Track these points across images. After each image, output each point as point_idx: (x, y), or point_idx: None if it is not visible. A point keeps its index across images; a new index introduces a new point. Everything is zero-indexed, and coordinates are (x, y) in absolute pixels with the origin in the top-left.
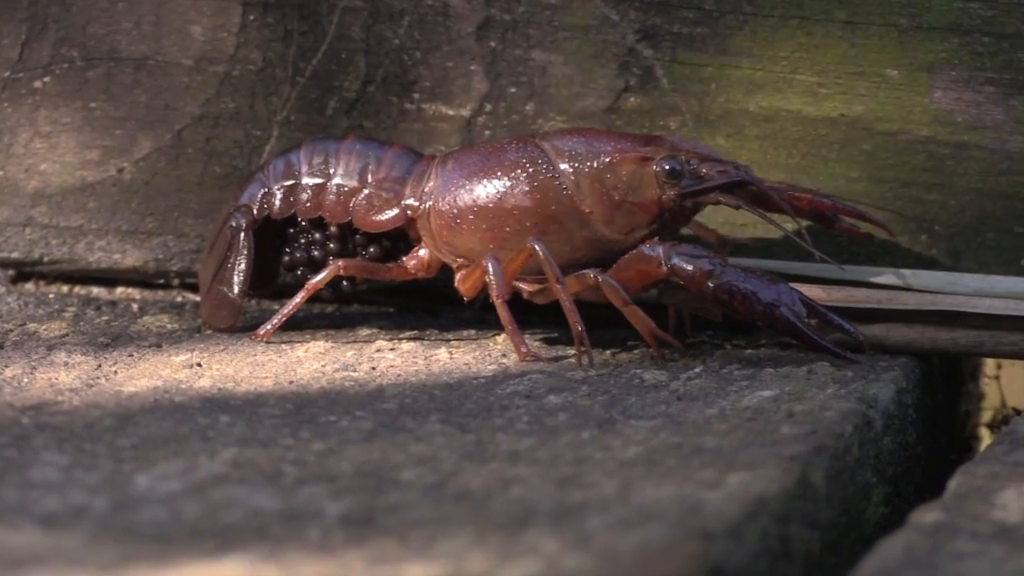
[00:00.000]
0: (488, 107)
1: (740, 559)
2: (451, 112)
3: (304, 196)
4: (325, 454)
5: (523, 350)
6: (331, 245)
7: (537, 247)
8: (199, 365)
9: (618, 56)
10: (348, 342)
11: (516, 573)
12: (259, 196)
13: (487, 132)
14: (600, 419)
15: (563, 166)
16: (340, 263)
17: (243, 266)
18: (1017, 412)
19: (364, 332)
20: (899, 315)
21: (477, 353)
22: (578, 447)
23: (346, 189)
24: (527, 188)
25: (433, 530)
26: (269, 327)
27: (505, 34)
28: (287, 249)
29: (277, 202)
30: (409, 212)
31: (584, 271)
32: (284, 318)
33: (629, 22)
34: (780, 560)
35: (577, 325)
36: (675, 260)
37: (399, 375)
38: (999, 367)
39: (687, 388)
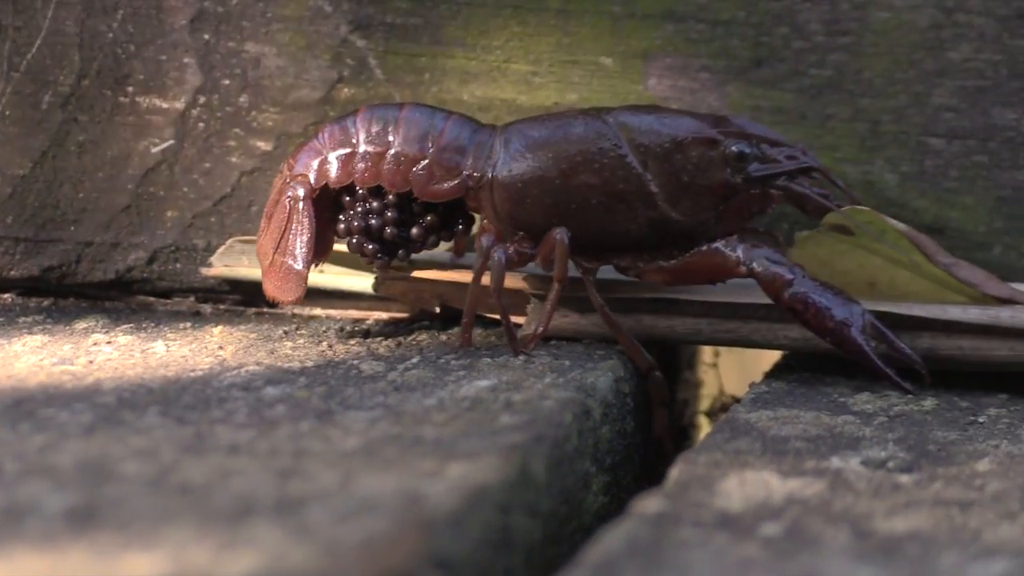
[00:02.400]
0: (202, 99)
1: (462, 550)
2: (165, 105)
3: (362, 165)
4: (45, 448)
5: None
6: (389, 214)
7: (558, 237)
8: None
9: (331, 47)
10: (65, 335)
11: (238, 565)
12: (315, 165)
13: (201, 124)
14: (319, 410)
15: (631, 143)
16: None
17: (306, 237)
18: (736, 399)
19: (81, 326)
20: (616, 304)
21: (194, 346)
22: (297, 439)
23: (406, 158)
24: (595, 164)
25: (154, 522)
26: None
27: (218, 26)
28: (342, 217)
29: (334, 171)
30: (470, 183)
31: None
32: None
33: (342, 13)
34: (502, 550)
35: (539, 328)
36: (755, 264)
37: (116, 368)
38: (717, 354)
39: (405, 379)
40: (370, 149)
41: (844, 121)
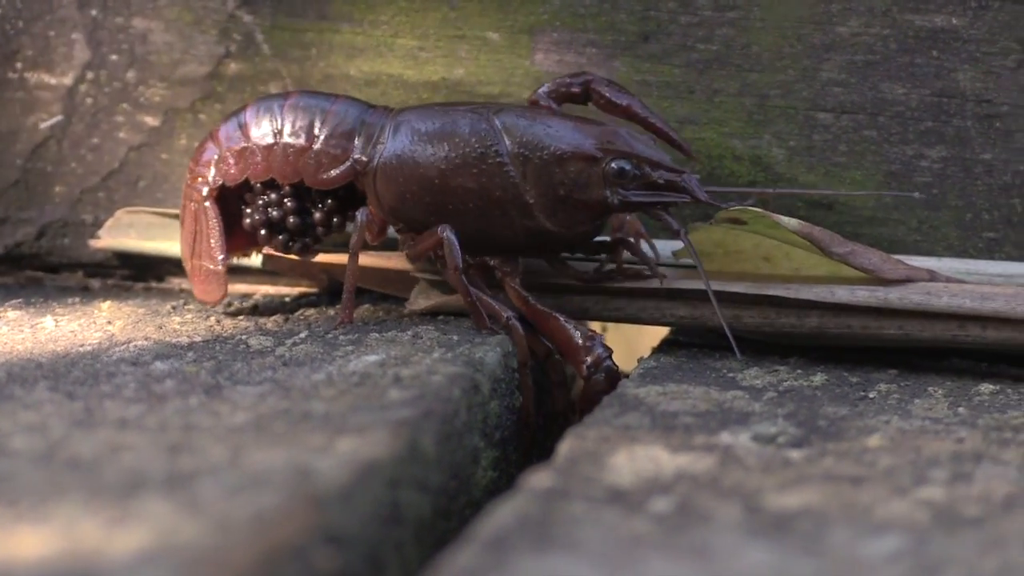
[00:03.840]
0: (90, 75)
1: (352, 524)
2: (53, 81)
3: (254, 160)
4: None
5: (484, 322)
6: (288, 203)
7: (447, 235)
8: None
9: (218, 22)
10: None
11: (129, 540)
12: (213, 164)
13: (89, 100)
14: (207, 385)
15: (512, 150)
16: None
17: (215, 237)
18: (624, 375)
19: None
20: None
21: (83, 320)
22: (187, 413)
23: (294, 149)
24: (474, 169)
25: (44, 498)
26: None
27: (106, 2)
28: (247, 211)
29: (229, 169)
30: (358, 167)
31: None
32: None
33: None
34: (392, 525)
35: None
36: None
37: (6, 343)
38: (604, 330)
39: (293, 353)
40: (260, 143)
41: (732, 96)
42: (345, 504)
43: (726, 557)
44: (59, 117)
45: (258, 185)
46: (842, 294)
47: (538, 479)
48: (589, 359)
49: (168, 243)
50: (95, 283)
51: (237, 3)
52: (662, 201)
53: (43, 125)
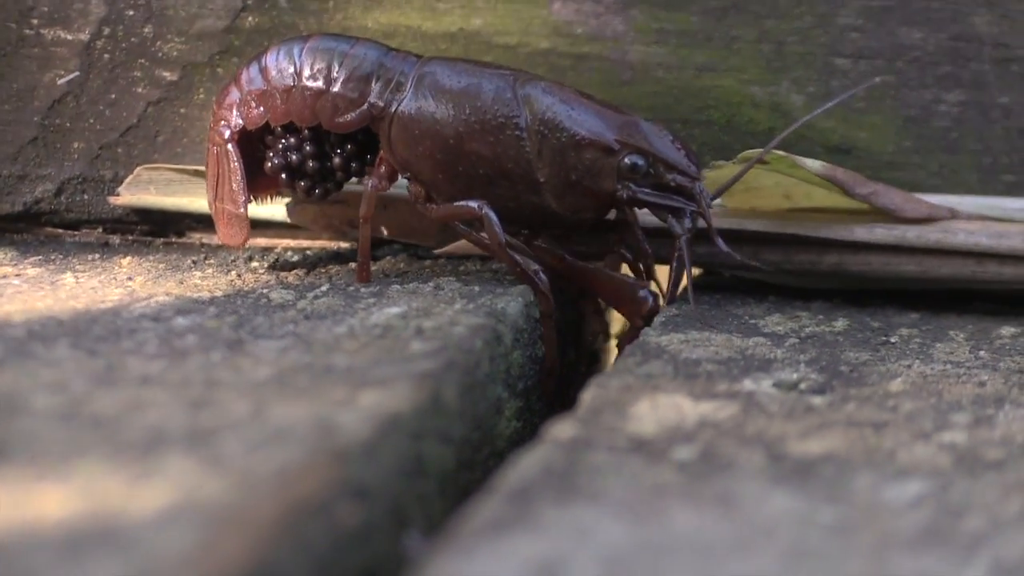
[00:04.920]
0: (107, 30)
1: (376, 478)
2: (70, 37)
3: (274, 102)
4: None
5: (542, 289)
6: (307, 148)
7: (487, 212)
8: None
9: None
10: None
11: (151, 496)
12: (235, 107)
13: (106, 56)
14: (229, 340)
15: (532, 126)
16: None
17: (237, 180)
18: (647, 323)
19: None
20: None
21: (103, 277)
22: (208, 369)
23: (311, 91)
24: (491, 137)
25: (66, 455)
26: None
27: None
28: (268, 156)
29: (251, 111)
30: (373, 112)
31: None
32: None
33: None
34: (416, 477)
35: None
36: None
37: (26, 301)
38: None
39: (314, 307)
40: (280, 85)
41: (750, 43)
42: (368, 458)
43: (750, 504)
44: (76, 73)
45: (279, 129)
46: (860, 232)
47: (561, 429)
48: (644, 309)
49: (188, 198)
50: (115, 239)
51: None
52: (669, 204)
53: (60, 81)
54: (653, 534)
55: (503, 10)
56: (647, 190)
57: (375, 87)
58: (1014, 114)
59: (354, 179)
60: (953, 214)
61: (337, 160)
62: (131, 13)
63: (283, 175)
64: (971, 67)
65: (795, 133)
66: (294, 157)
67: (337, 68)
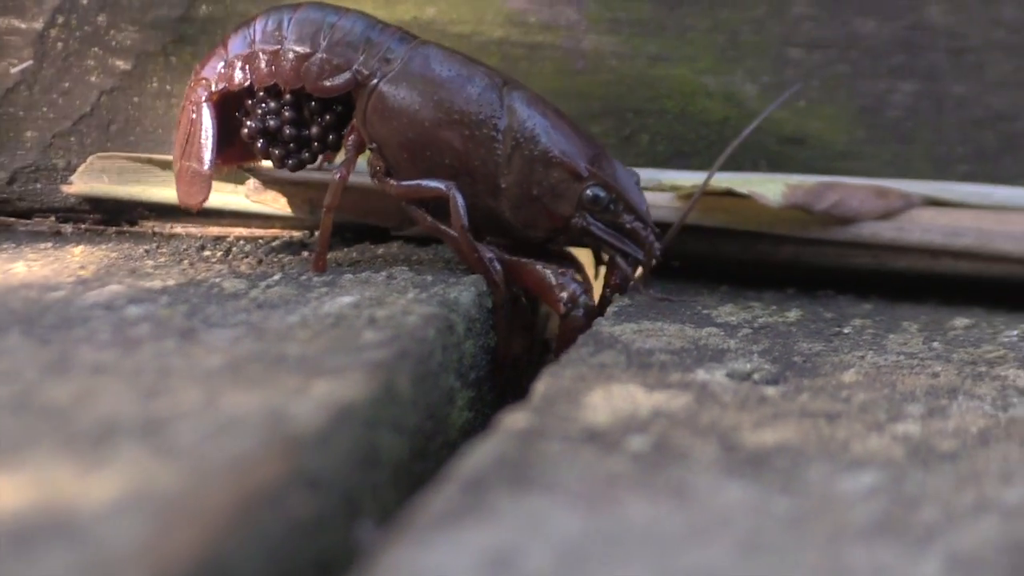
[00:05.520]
0: (60, 19)
1: (330, 467)
2: (23, 25)
3: (258, 64)
4: None
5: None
6: (286, 113)
7: (454, 194)
8: None
9: None
10: None
11: (104, 486)
12: (216, 68)
13: (59, 44)
14: (182, 329)
15: (508, 134)
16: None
17: (208, 139)
18: (600, 313)
19: None
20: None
21: (56, 265)
22: (161, 357)
23: (297, 54)
24: (466, 131)
25: (18, 445)
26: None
27: None
28: (246, 121)
29: (233, 72)
30: (359, 78)
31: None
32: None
33: None
34: (369, 467)
35: (484, 264)
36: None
37: None
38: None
39: (267, 296)
40: (266, 48)
41: (703, 32)
42: (321, 447)
43: (703, 495)
44: (29, 62)
45: (261, 93)
46: (815, 230)
47: (514, 419)
48: (564, 295)
49: (141, 187)
50: (67, 228)
51: None
52: (618, 246)
53: (14, 70)
54: (607, 524)
55: None
56: (601, 225)
57: (362, 56)
58: (968, 104)
59: (325, 163)
60: (909, 204)
61: (315, 130)
62: (85, 2)
63: (260, 140)
64: (925, 57)
65: (749, 123)
66: (272, 122)
67: (326, 33)
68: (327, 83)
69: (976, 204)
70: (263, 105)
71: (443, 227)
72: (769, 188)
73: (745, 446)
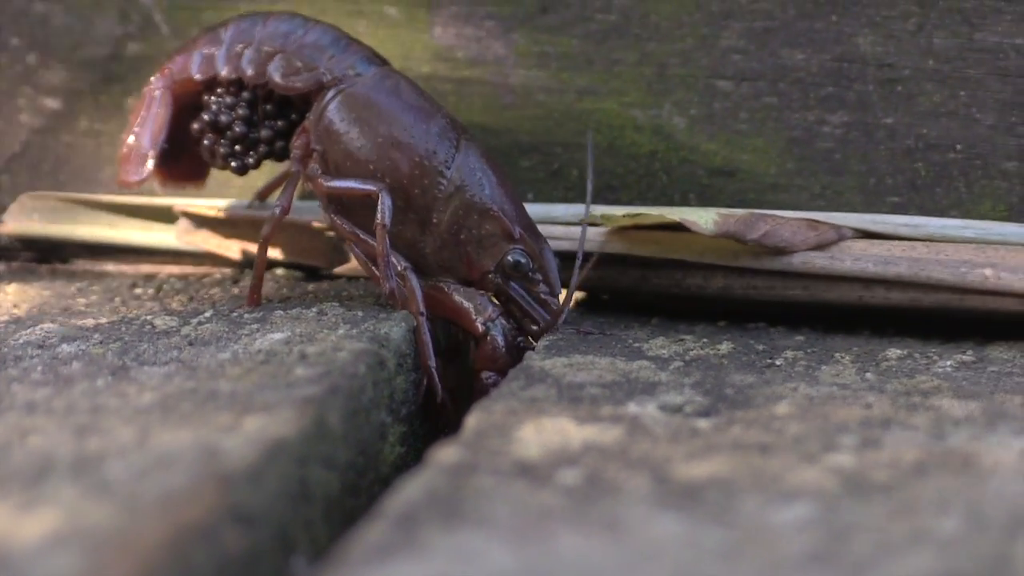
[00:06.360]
0: None
1: (261, 502)
2: None
3: (224, 56)
4: None
5: (388, 286)
6: (240, 111)
7: (383, 195)
8: None
9: (117, 4)
10: None
11: (37, 525)
12: (180, 61)
13: None
14: (114, 367)
15: (456, 176)
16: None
17: (157, 121)
18: (531, 347)
19: None
20: None
21: None
22: (94, 395)
23: (267, 50)
24: (415, 158)
25: None
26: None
27: None
28: (200, 114)
29: (197, 63)
30: (325, 79)
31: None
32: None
33: None
34: (300, 503)
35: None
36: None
37: None
38: None
39: (199, 333)
40: (236, 44)
41: (631, 66)
42: (253, 483)
43: (636, 528)
44: None
45: (219, 89)
46: (746, 259)
47: (446, 454)
48: (481, 317)
49: (72, 226)
50: (0, 266)
51: None
52: (528, 312)
53: None
54: (539, 558)
55: (384, 34)
56: (516, 287)
57: (329, 60)
58: (899, 135)
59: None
60: (840, 235)
61: (264, 132)
62: (15, 41)
63: (208, 135)
64: (855, 88)
65: (678, 157)
66: (224, 117)
67: (296, 38)
68: (292, 80)
69: (908, 236)
70: (218, 99)
71: (362, 235)
72: (701, 217)
73: (677, 478)
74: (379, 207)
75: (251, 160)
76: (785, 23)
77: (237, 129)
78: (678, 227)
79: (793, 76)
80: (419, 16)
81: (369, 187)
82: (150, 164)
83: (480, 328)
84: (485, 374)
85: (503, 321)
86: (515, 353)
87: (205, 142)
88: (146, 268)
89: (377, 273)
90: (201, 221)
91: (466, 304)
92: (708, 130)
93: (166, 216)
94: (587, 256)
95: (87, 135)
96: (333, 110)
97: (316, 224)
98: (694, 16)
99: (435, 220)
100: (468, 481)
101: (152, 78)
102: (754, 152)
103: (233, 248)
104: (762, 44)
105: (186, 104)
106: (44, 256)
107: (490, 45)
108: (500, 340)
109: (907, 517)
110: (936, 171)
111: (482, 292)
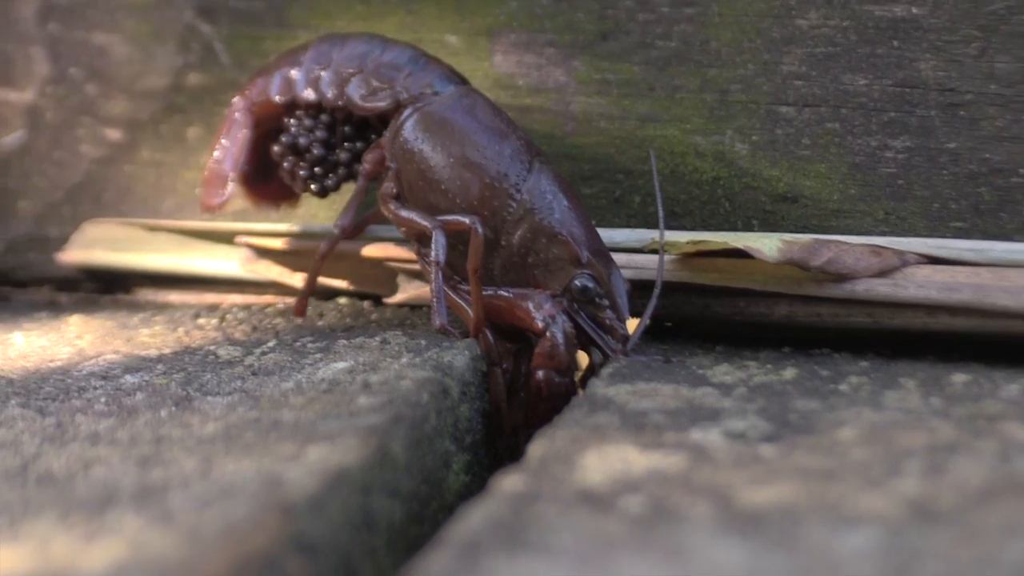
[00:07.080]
0: (50, 90)
1: (323, 532)
2: (14, 96)
3: (303, 79)
4: None
5: (438, 322)
6: (318, 133)
7: (479, 229)
8: None
9: (177, 33)
10: None
11: (101, 555)
12: (260, 82)
13: (48, 114)
14: (177, 397)
15: (526, 198)
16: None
17: (237, 141)
18: (594, 373)
19: None
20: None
21: (52, 335)
22: (157, 426)
23: (345, 71)
24: (486, 180)
25: (17, 514)
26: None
27: (65, 17)
28: (280, 137)
29: (276, 85)
30: (402, 97)
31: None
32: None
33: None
34: (363, 532)
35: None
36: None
37: None
38: None
39: (262, 363)
40: (315, 66)
41: (692, 92)
42: (316, 512)
43: (699, 555)
44: (20, 132)
45: (299, 112)
46: (809, 287)
47: (509, 482)
48: (540, 314)
49: (134, 255)
50: (63, 297)
51: (195, 13)
52: (594, 340)
53: (5, 140)
54: None
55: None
56: (583, 314)
57: (406, 78)
58: (962, 159)
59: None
60: (904, 261)
61: (343, 154)
62: (75, 71)
63: (288, 158)
64: (917, 112)
65: (741, 184)
66: (303, 140)
67: (374, 58)
68: (368, 102)
69: (972, 261)
70: (298, 122)
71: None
72: (765, 243)
73: (741, 505)
74: (433, 245)
75: (330, 182)
76: (847, 48)
77: (316, 151)
78: (741, 253)
79: (855, 101)
80: (479, 44)
81: (425, 223)
82: (231, 187)
83: (540, 325)
84: (540, 371)
85: (564, 319)
86: (575, 353)
87: (285, 165)
88: (209, 298)
89: (460, 303)
90: (263, 252)
91: (525, 302)
92: (770, 156)
93: (230, 239)
94: (650, 285)
95: (148, 165)
96: (408, 129)
97: (366, 253)
98: (755, 42)
99: (503, 242)
100: (531, 509)
101: (234, 99)
102: (817, 178)
103: (296, 277)
104: (824, 70)
105: (270, 126)
106: (107, 286)
107: (551, 72)
108: (560, 337)
109: (973, 543)
110: (1000, 195)
111: (543, 291)
